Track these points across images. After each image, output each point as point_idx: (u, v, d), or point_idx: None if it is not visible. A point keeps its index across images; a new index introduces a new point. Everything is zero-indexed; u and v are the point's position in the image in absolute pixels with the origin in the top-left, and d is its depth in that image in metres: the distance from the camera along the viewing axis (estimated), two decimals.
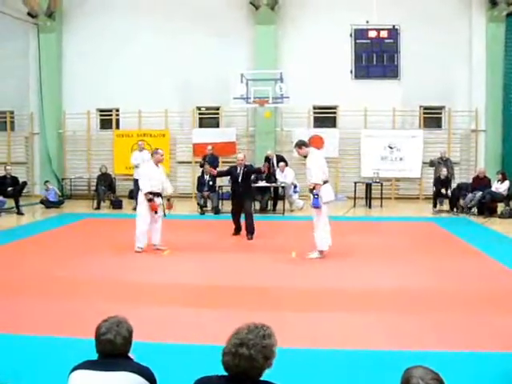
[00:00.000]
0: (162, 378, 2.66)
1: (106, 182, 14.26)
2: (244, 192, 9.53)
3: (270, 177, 12.88)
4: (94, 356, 2.46)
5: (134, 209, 9.99)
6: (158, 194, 8.23)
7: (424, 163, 15.33)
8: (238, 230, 9.78)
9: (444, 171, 13.13)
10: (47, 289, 6.07)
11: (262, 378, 2.21)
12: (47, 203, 13.97)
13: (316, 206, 7.39)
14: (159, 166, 8.36)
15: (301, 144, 7.71)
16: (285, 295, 5.86)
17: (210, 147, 13.88)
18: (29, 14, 15.81)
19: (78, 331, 4.53)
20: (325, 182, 7.55)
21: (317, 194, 7.36)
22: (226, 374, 2.22)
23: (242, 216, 9.56)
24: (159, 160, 8.35)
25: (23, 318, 5.01)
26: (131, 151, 16.08)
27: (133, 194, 15.89)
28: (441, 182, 13.07)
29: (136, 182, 13.97)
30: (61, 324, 4.84)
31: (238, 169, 9.79)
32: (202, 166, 13.49)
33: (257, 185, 12.41)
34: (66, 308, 5.29)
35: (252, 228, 9.39)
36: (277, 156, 13.77)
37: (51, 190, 14.36)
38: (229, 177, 10.24)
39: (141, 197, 8.23)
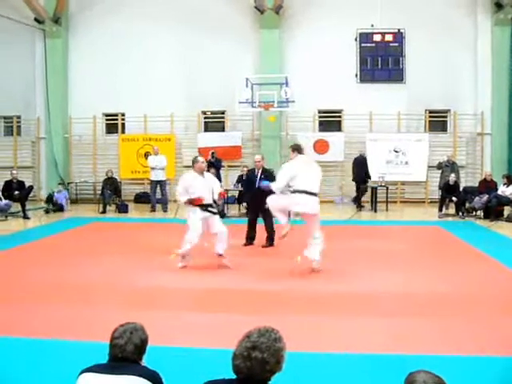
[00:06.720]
0: (170, 383, 2.66)
1: (111, 186, 14.30)
2: (263, 197, 8.23)
3: None
4: (103, 360, 2.47)
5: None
6: (207, 206, 7.33)
7: (430, 167, 15.30)
8: (252, 239, 9.02)
9: (452, 177, 13.04)
10: (55, 292, 6.08)
11: (270, 382, 2.20)
12: (54, 206, 13.99)
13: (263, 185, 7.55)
14: (205, 174, 7.48)
15: (293, 148, 7.25)
16: (289, 299, 5.85)
17: (211, 152, 13.60)
18: (35, 19, 15.97)
19: (86, 335, 4.54)
20: (305, 192, 6.74)
21: (267, 185, 7.23)
22: (233, 377, 2.20)
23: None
24: (201, 168, 7.44)
25: (30, 321, 5.02)
26: (137, 155, 16.23)
27: (139, 199, 16.06)
28: (449, 188, 12.99)
29: (154, 183, 14.06)
30: (69, 327, 4.83)
31: (256, 171, 8.97)
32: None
33: None
34: (74, 311, 5.29)
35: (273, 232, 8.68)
36: None
37: (63, 192, 14.48)
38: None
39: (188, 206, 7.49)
